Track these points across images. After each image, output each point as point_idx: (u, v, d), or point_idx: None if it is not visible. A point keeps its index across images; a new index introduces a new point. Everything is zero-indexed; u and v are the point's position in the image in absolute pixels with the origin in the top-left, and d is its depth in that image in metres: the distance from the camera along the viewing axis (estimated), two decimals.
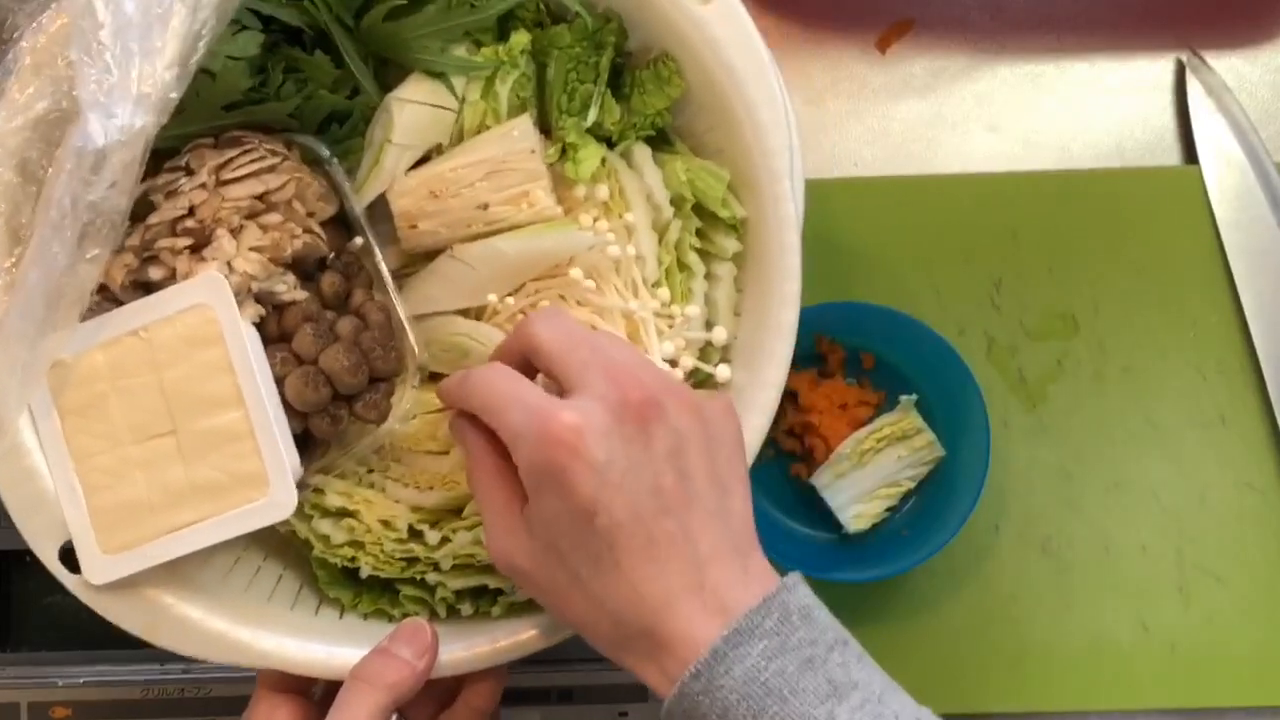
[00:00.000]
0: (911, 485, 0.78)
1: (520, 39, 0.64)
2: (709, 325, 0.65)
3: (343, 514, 0.64)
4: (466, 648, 0.61)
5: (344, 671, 0.59)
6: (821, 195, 0.80)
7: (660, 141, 0.66)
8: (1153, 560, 0.81)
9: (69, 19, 0.57)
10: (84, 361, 0.59)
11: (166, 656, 0.62)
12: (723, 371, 0.63)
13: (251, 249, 0.60)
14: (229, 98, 0.60)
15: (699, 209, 0.65)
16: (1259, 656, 0.80)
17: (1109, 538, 0.81)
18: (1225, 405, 0.82)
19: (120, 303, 0.60)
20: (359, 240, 0.64)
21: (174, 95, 0.56)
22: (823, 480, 0.77)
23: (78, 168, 0.55)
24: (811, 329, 0.77)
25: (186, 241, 0.60)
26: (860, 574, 0.77)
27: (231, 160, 0.60)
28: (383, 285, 0.63)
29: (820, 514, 0.78)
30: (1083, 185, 0.84)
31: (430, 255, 0.65)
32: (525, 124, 0.63)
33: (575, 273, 0.63)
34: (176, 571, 0.60)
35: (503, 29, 0.64)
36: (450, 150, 0.64)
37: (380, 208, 0.65)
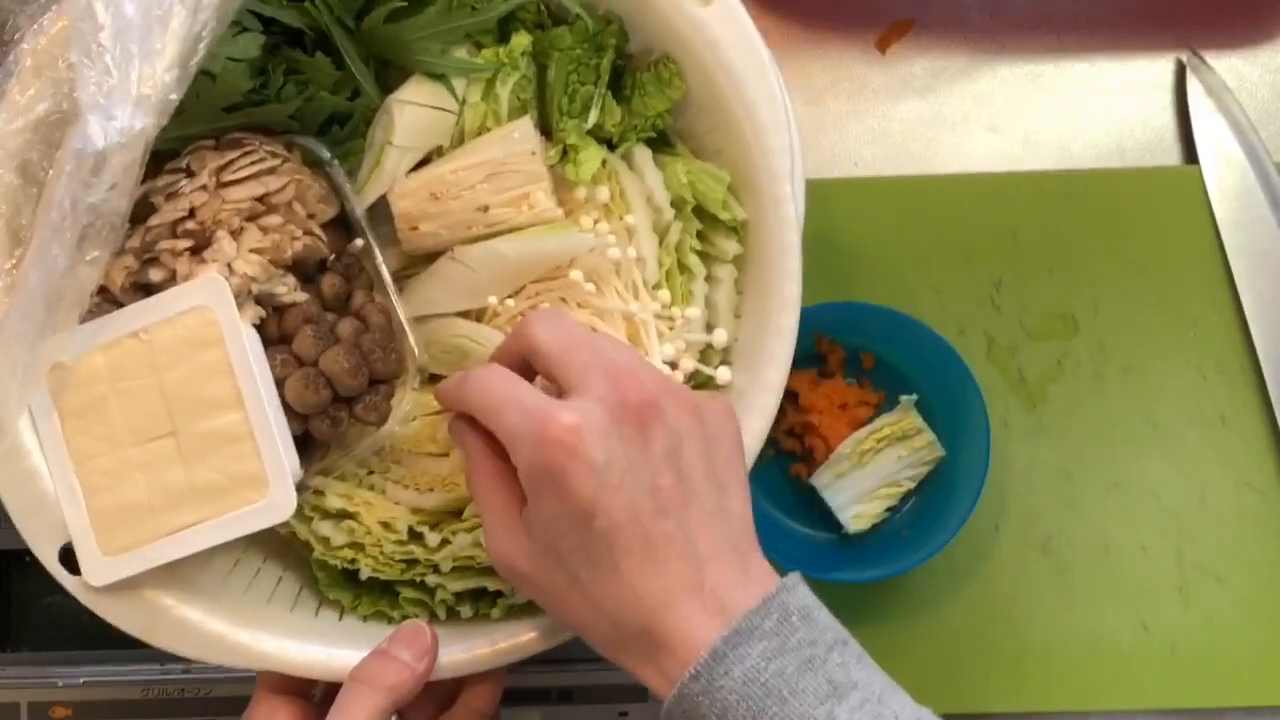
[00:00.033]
0: (911, 485, 0.78)
1: (521, 41, 0.64)
2: (709, 327, 0.65)
3: (343, 516, 0.64)
4: (466, 650, 0.61)
5: (343, 673, 0.59)
6: (821, 195, 0.80)
7: (661, 143, 0.66)
8: (1153, 560, 0.81)
9: (69, 21, 0.56)
10: (84, 363, 0.59)
11: (166, 656, 0.62)
12: (723, 374, 0.63)
13: (252, 251, 0.60)
14: (229, 99, 0.60)
15: (700, 211, 0.65)
16: (1259, 656, 0.80)
17: (1109, 538, 0.81)
18: (1225, 405, 0.82)
19: (120, 305, 0.60)
20: (359, 242, 0.64)
21: (174, 97, 0.56)
22: (823, 480, 0.77)
23: (78, 170, 0.55)
24: (811, 329, 0.77)
25: (187, 243, 0.60)
26: (860, 574, 0.77)
27: (232, 162, 0.60)
28: (383, 287, 0.63)
29: (820, 514, 0.78)
30: (1083, 185, 0.84)
31: (431, 257, 0.65)
32: (526, 126, 0.63)
33: (576, 275, 0.63)
34: (176, 573, 0.60)
35: (503, 31, 0.64)
36: (451, 152, 0.64)
37: (381, 209, 0.65)
